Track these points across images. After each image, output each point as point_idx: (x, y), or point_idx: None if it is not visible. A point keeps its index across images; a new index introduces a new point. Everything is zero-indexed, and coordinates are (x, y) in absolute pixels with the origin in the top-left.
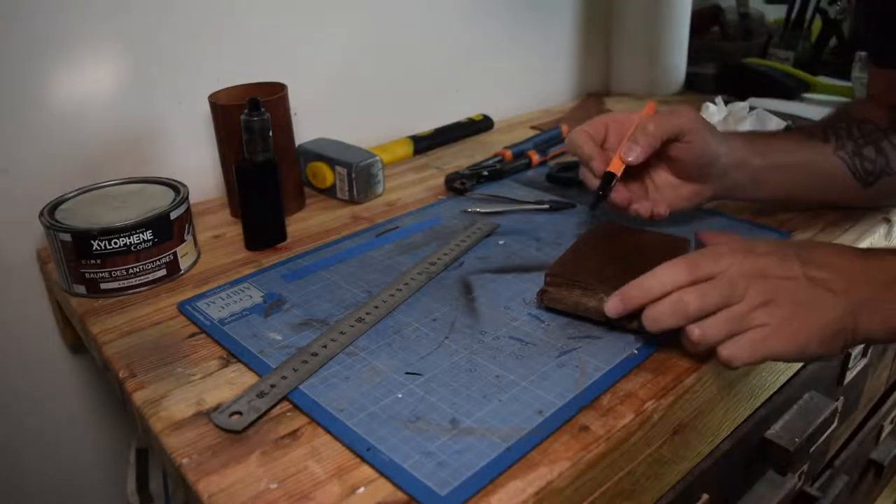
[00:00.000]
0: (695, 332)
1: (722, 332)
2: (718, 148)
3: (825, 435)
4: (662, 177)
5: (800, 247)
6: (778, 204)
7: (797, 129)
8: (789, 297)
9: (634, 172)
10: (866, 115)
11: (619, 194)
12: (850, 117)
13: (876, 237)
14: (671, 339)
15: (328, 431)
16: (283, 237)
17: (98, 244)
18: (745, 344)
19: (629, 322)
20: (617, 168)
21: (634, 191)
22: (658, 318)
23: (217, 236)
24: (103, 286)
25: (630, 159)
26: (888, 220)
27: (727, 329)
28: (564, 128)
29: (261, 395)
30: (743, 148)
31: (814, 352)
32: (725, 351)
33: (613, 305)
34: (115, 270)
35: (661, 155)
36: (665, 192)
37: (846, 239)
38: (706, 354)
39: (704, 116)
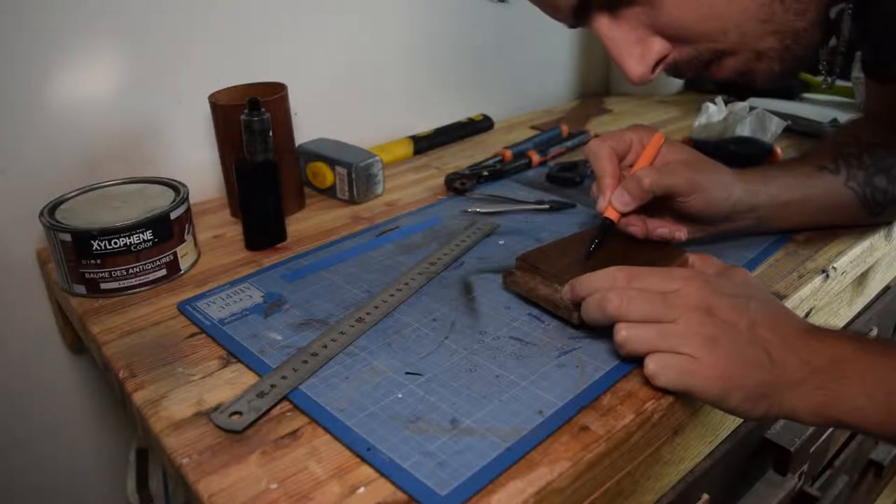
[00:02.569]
0: (621, 332)
1: (646, 342)
2: (723, 202)
3: (825, 435)
4: (669, 209)
5: (759, 303)
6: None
7: (807, 156)
8: (729, 343)
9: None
10: (876, 138)
11: (636, 228)
12: (860, 142)
13: (876, 237)
14: None
15: (328, 431)
16: (283, 237)
17: (98, 244)
18: (673, 367)
19: (573, 314)
20: (615, 215)
21: (649, 213)
22: (586, 309)
23: (217, 236)
24: (103, 286)
25: (619, 209)
26: (888, 222)
27: (651, 342)
28: (564, 128)
29: (261, 395)
30: (750, 195)
31: (735, 405)
32: (651, 364)
33: (565, 292)
34: (115, 270)
35: (661, 200)
36: (676, 221)
37: (846, 240)
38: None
39: (704, 117)
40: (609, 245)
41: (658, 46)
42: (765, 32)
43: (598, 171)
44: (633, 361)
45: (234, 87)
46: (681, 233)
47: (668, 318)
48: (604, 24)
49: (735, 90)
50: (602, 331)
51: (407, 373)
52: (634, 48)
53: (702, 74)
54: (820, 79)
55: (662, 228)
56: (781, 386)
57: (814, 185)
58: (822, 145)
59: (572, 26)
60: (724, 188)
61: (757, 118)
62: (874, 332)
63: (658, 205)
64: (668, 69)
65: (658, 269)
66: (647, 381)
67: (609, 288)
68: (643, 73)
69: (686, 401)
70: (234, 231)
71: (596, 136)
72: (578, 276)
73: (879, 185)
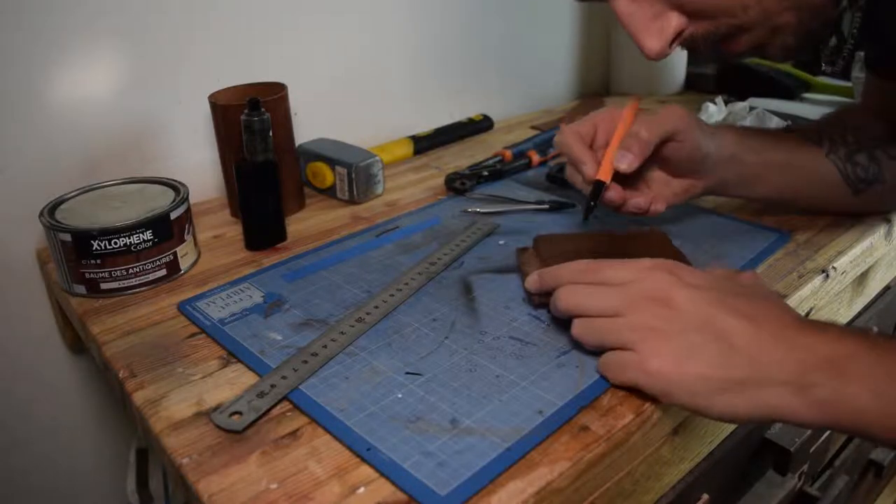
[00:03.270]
0: (574, 328)
1: (595, 338)
2: (709, 143)
3: (825, 435)
4: (653, 173)
5: (747, 297)
6: (772, 204)
7: (792, 129)
8: (677, 336)
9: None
10: (862, 122)
11: (614, 194)
12: (845, 123)
13: (876, 237)
14: None
15: (328, 431)
16: (283, 237)
17: (98, 244)
18: (616, 363)
19: (532, 297)
20: (606, 175)
21: (627, 187)
22: (551, 304)
23: (217, 236)
24: (103, 286)
25: (623, 167)
26: (888, 220)
27: (599, 337)
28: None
29: (261, 395)
30: (734, 144)
31: (687, 401)
32: (600, 363)
33: (532, 280)
34: (115, 270)
35: (652, 154)
36: (656, 187)
37: (846, 239)
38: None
39: (704, 117)
40: (597, 237)
41: (676, 21)
42: (783, 7)
43: (571, 156)
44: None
45: (234, 87)
46: (658, 204)
47: (621, 311)
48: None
49: (735, 90)
50: None
51: (407, 373)
52: (652, 23)
53: (717, 49)
54: (820, 79)
55: (639, 198)
56: (765, 383)
57: (796, 151)
58: (807, 125)
59: None
60: (710, 132)
61: (757, 118)
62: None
63: (636, 175)
64: (683, 43)
65: (626, 261)
66: None
67: (568, 282)
68: (661, 49)
69: None
70: (234, 231)
71: None
72: (549, 267)
73: (860, 162)
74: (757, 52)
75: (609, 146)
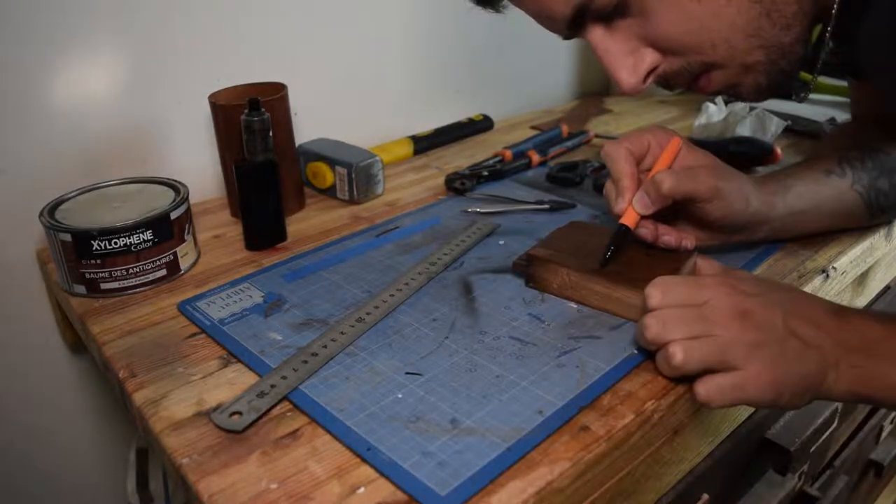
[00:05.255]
0: (677, 356)
1: (699, 361)
2: (742, 212)
3: (825, 435)
4: (686, 214)
5: (782, 293)
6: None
7: (812, 160)
8: (773, 344)
9: None
10: (873, 142)
11: (646, 232)
12: (859, 146)
13: (876, 237)
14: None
15: (328, 431)
16: (283, 237)
17: (98, 244)
18: (725, 386)
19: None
20: (632, 221)
21: (660, 220)
22: (636, 334)
23: (217, 236)
24: (103, 286)
25: (640, 212)
26: (888, 221)
27: (703, 360)
28: (564, 127)
29: (261, 395)
30: (767, 206)
31: (786, 402)
32: (703, 390)
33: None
34: (116, 270)
35: (683, 205)
36: (689, 227)
37: (846, 239)
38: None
39: (704, 117)
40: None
41: (650, 57)
42: (752, 46)
43: (615, 174)
44: (679, 380)
45: (234, 87)
46: (688, 241)
47: (708, 332)
48: (597, 35)
49: None
50: (601, 331)
51: (407, 373)
52: (627, 59)
53: (692, 86)
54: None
55: (668, 236)
56: (821, 372)
57: (823, 191)
58: (823, 149)
59: (567, 37)
60: (744, 198)
61: (757, 118)
62: None
63: (674, 210)
64: (658, 80)
65: (684, 280)
66: (648, 383)
67: (644, 314)
68: (635, 84)
69: (686, 401)
70: (234, 231)
71: (596, 136)
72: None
73: (882, 188)
74: (730, 90)
75: (647, 176)
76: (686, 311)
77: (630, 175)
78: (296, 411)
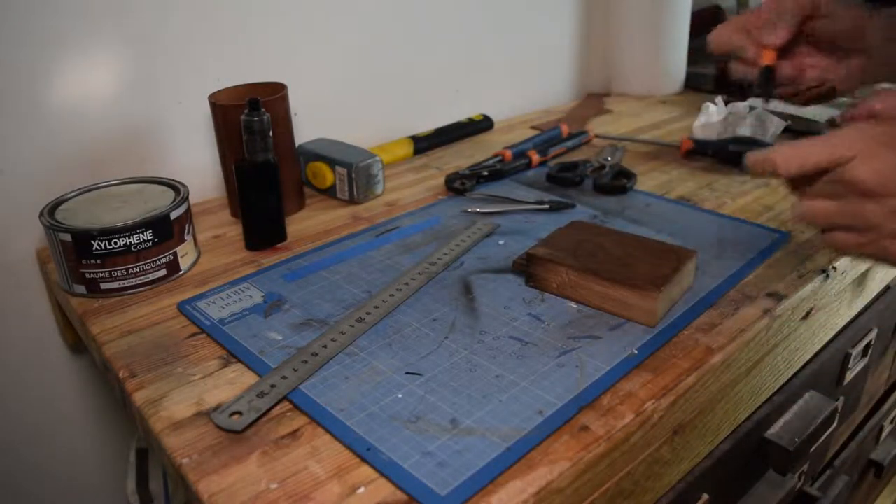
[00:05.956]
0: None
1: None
2: (865, 17)
3: (825, 435)
4: (817, 61)
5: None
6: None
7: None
8: None
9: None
10: None
11: (785, 69)
12: None
13: None
14: (671, 339)
15: (328, 431)
16: (283, 237)
17: (98, 244)
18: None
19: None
20: (771, 59)
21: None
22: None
23: (217, 236)
24: (103, 286)
25: (771, 40)
26: None
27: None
28: (564, 128)
29: (261, 395)
30: (874, 19)
31: None
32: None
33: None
34: (115, 270)
35: (807, 38)
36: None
37: None
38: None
39: (704, 117)
40: (606, 244)
41: None
42: None
43: (734, 49)
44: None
45: (234, 87)
46: (834, 72)
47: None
48: None
49: (735, 90)
50: (601, 331)
51: (407, 373)
52: None
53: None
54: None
55: (814, 70)
56: None
57: None
58: None
59: None
60: (863, 7)
61: (757, 118)
62: (874, 333)
63: (801, 51)
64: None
65: (828, 138)
66: (648, 383)
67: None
68: None
69: (686, 401)
70: (234, 231)
71: (596, 136)
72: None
73: None
74: None
75: (761, 31)
76: (853, 205)
77: (746, 40)
78: (296, 411)
